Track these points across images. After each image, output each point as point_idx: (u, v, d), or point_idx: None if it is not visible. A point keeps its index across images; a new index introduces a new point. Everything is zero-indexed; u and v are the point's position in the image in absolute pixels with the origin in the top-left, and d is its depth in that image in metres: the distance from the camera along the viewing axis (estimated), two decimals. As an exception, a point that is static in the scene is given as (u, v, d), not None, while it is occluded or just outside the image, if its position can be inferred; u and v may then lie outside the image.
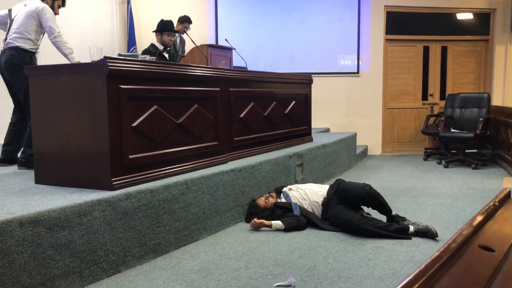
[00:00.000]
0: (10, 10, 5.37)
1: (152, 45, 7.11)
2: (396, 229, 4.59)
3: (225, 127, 5.38)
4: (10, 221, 2.97)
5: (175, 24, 8.22)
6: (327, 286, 3.46)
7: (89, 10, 8.87)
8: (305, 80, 7.47)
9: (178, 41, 8.36)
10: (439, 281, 1.21)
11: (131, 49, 9.49)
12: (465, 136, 8.95)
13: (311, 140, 7.71)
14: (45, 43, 7.84)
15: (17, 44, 5.12)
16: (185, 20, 8.29)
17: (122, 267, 3.76)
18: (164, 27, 7.03)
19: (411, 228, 4.61)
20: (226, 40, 8.16)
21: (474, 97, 9.67)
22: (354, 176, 7.95)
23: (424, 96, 11.07)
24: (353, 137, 9.31)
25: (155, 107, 4.29)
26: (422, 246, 4.34)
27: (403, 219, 4.86)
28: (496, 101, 10.51)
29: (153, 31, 7.20)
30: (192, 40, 7.42)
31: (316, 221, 4.97)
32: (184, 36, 8.33)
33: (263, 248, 4.34)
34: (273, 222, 4.89)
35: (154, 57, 5.00)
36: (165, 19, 7.16)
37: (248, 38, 10.37)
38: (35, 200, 3.47)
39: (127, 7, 9.60)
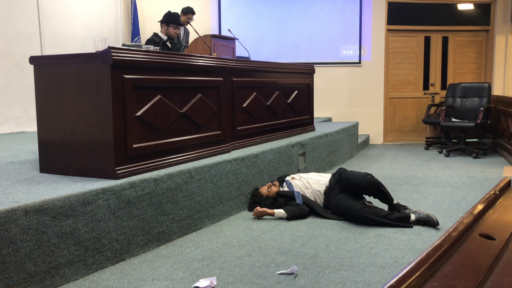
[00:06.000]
0: None
1: (156, 35, 7.11)
2: (397, 217, 4.62)
3: (228, 116, 5.39)
4: (15, 209, 3.00)
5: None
6: (329, 274, 3.49)
7: (93, 0, 8.87)
8: (308, 70, 7.48)
9: (182, 32, 8.33)
10: (440, 269, 1.22)
11: (135, 39, 9.48)
12: (466, 125, 8.96)
13: (313, 129, 7.72)
14: (50, 34, 7.88)
15: None
16: (188, 12, 8.26)
17: (126, 255, 3.79)
18: (170, 20, 7.02)
19: (412, 217, 4.64)
20: (229, 30, 8.14)
21: (475, 87, 9.66)
22: (356, 165, 7.96)
23: (425, 86, 11.06)
24: (355, 126, 9.32)
25: (158, 96, 4.31)
26: (423, 235, 4.37)
27: (405, 207, 4.88)
28: (497, 91, 10.50)
29: (159, 21, 7.19)
30: (195, 30, 7.41)
31: (318, 209, 4.99)
32: (188, 27, 8.31)
33: (266, 236, 4.37)
34: (275, 210, 4.92)
35: (158, 47, 5.00)
36: (172, 11, 7.16)
37: (251, 28, 10.35)
38: (40, 189, 3.49)
39: (131, -3, 9.61)
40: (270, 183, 5.37)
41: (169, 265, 3.69)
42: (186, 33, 8.46)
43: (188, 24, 8.14)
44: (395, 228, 4.53)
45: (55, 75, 4.03)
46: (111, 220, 3.63)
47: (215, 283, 3.34)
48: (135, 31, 9.60)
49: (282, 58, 10.08)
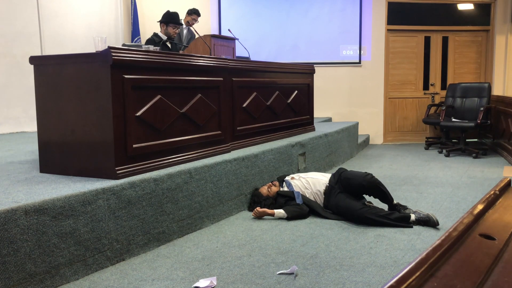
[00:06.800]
0: None
1: (156, 35, 7.09)
2: (397, 217, 4.62)
3: (228, 116, 5.39)
4: (15, 209, 3.00)
5: (183, 15, 8.20)
6: (329, 274, 3.49)
7: (93, 0, 8.87)
8: (308, 70, 7.48)
9: (185, 31, 8.32)
10: (440, 269, 1.22)
11: (135, 39, 9.48)
12: (466, 125, 8.96)
13: (313, 129, 7.72)
14: (50, 34, 7.88)
15: None
16: (193, 12, 8.24)
17: (126, 255, 3.79)
18: (169, 19, 7.00)
19: (413, 217, 4.64)
20: (229, 30, 8.13)
21: (475, 87, 9.66)
22: (356, 165, 7.96)
23: (425, 86, 11.07)
24: (355, 126, 9.32)
25: (158, 96, 4.31)
26: (423, 235, 4.37)
27: (405, 207, 4.88)
28: (497, 91, 10.50)
29: (158, 21, 7.18)
30: (195, 30, 7.41)
31: (318, 209, 4.99)
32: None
33: (266, 236, 4.37)
34: (275, 210, 4.92)
35: (158, 47, 5.00)
36: (171, 11, 7.14)
37: (251, 28, 10.35)
38: (40, 189, 3.49)
39: (131, -3, 9.61)
40: (270, 183, 5.37)
41: (169, 265, 3.69)
42: (190, 33, 8.42)
43: (192, 26, 8.13)
44: (395, 228, 4.53)
45: (55, 75, 4.03)
46: (111, 220, 3.63)
47: (215, 283, 3.34)
48: (135, 31, 9.60)
49: (282, 58, 10.09)
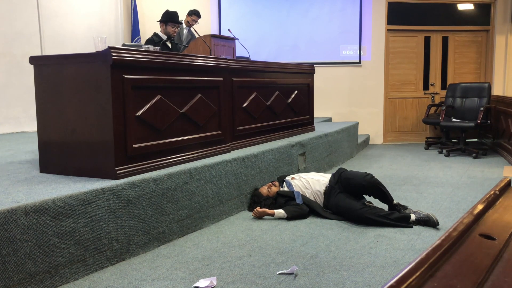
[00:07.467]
0: None
1: (155, 34, 7.10)
2: (397, 217, 4.62)
3: (228, 116, 5.39)
4: (15, 209, 2.99)
5: (183, 15, 8.20)
6: (329, 274, 3.49)
7: (93, 0, 8.87)
8: (308, 70, 7.48)
9: (186, 31, 8.32)
10: (440, 269, 1.22)
11: (135, 39, 9.48)
12: (466, 125, 8.96)
13: (313, 129, 7.72)
14: (50, 34, 7.88)
15: None
16: (193, 13, 8.25)
17: (126, 255, 3.79)
18: (168, 18, 7.01)
19: (413, 217, 4.64)
20: (229, 30, 8.12)
21: (475, 87, 9.66)
22: (356, 165, 7.96)
23: (425, 86, 11.07)
24: (355, 126, 9.31)
25: (158, 96, 4.30)
26: (423, 235, 4.36)
27: (405, 207, 4.88)
28: (497, 91, 10.50)
29: (158, 21, 7.19)
30: (195, 31, 7.42)
31: (318, 209, 4.99)
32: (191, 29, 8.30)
33: (266, 236, 4.37)
34: (275, 210, 4.92)
35: (158, 47, 5.00)
36: (170, 10, 7.15)
37: (251, 28, 10.35)
38: (40, 189, 3.49)
39: (131, -3, 9.61)
40: (270, 183, 5.36)
41: (169, 265, 3.69)
42: (191, 33, 8.42)
43: (192, 26, 8.13)
44: (395, 228, 4.52)
45: (55, 75, 4.03)
46: (111, 220, 3.63)
47: (215, 283, 3.34)
48: (135, 31, 9.60)
49: (282, 58, 10.09)
